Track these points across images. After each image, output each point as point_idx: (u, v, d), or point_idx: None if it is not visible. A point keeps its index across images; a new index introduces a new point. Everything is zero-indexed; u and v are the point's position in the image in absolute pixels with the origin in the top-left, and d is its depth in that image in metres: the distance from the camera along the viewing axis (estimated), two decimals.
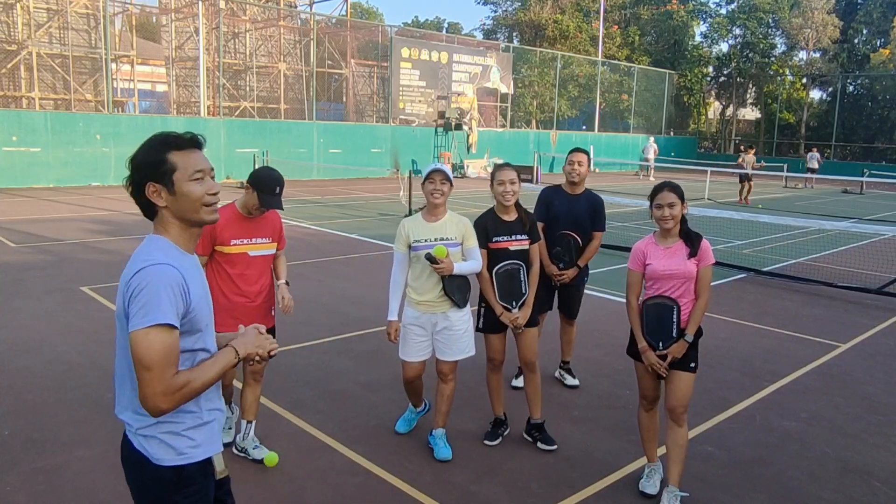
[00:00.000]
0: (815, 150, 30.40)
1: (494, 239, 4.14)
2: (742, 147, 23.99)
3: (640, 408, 3.86)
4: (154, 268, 1.81)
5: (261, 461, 3.88)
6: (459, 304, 3.99)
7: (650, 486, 3.77)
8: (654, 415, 3.86)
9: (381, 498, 3.63)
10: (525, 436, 4.34)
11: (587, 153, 5.17)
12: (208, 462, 2.01)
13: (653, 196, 3.63)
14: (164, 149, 1.90)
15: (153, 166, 1.89)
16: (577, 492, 3.74)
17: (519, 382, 5.20)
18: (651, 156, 31.17)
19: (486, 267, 4.12)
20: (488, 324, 4.23)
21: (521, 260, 4.13)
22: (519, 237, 4.15)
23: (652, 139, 33.47)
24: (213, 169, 1.99)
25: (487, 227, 4.16)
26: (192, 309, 1.88)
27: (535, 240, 4.23)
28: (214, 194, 1.95)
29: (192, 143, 1.94)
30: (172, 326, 1.79)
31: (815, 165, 27.96)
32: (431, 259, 3.83)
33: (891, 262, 10.63)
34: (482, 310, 4.26)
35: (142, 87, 29.34)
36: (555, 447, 4.21)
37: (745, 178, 20.21)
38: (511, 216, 4.18)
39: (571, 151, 5.13)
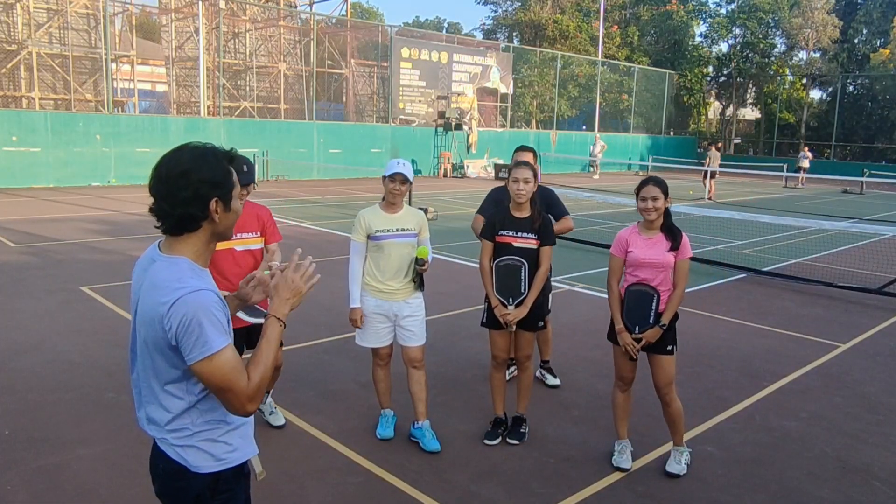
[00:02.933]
0: (805, 148, 30.48)
1: (500, 232, 4.18)
2: (707, 144, 24.59)
3: (616, 389, 4.09)
4: (192, 296, 1.77)
5: (277, 427, 4.10)
6: (421, 287, 4.23)
7: (623, 461, 3.99)
8: (629, 397, 4.10)
9: (381, 498, 3.63)
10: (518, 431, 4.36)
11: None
12: (242, 465, 2.02)
13: (638, 190, 3.87)
14: (226, 163, 1.90)
15: (223, 181, 1.88)
16: (577, 492, 3.74)
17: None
18: (598, 152, 29.94)
19: (489, 259, 4.20)
20: (492, 320, 4.24)
21: (525, 258, 4.10)
22: (524, 235, 4.14)
23: (598, 136, 32.38)
24: None
25: (496, 220, 4.22)
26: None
27: (546, 242, 4.17)
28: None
29: (233, 158, 1.96)
30: (228, 345, 1.80)
31: (806, 164, 28.10)
32: (417, 261, 4.08)
33: (891, 262, 10.62)
34: (486, 304, 4.29)
35: (142, 87, 29.35)
36: (517, 443, 4.28)
37: (708, 175, 21.60)
38: (523, 213, 4.18)
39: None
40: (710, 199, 21.04)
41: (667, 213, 3.87)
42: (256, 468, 2.07)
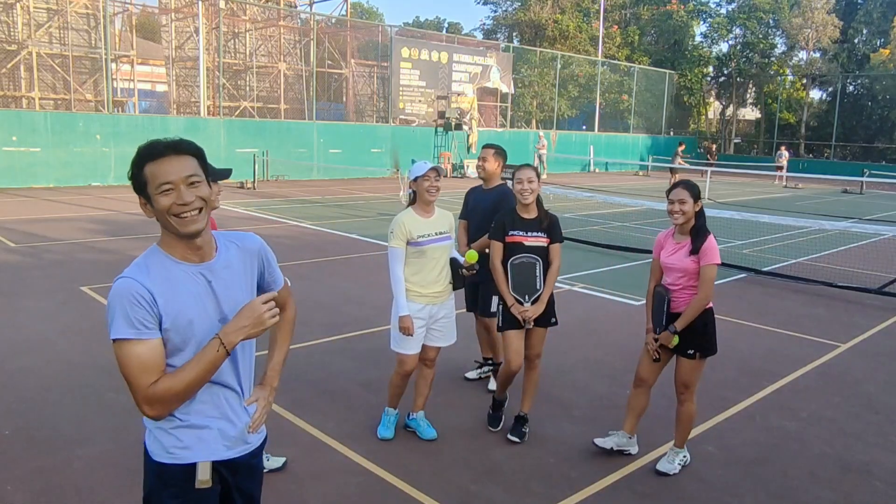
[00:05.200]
0: (783, 148, 30.45)
1: (510, 233, 4.24)
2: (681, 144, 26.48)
3: (633, 385, 4.11)
4: (118, 282, 1.84)
5: (272, 471, 3.76)
6: (459, 286, 4.29)
7: (605, 441, 4.06)
8: (642, 395, 4.06)
9: (381, 498, 3.63)
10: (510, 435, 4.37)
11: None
12: (194, 467, 1.97)
13: (668, 193, 3.88)
14: (141, 162, 1.85)
15: (133, 180, 1.88)
16: (577, 492, 3.74)
17: (471, 374, 5.41)
18: (543, 151, 27.67)
19: (500, 260, 4.24)
20: (508, 321, 4.23)
21: (538, 255, 4.18)
22: (534, 234, 4.22)
23: (542, 133, 29.71)
24: (191, 176, 1.85)
25: (506, 221, 4.28)
26: (167, 324, 1.84)
27: (555, 240, 4.26)
28: (184, 205, 1.83)
29: (167, 149, 1.84)
30: (140, 339, 1.80)
31: (783, 162, 28.11)
32: (464, 266, 4.11)
33: (891, 262, 10.63)
34: (500, 307, 4.31)
35: (142, 87, 29.34)
36: (518, 441, 4.28)
37: (673, 171, 24.10)
38: (530, 214, 4.26)
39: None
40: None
41: (699, 217, 3.83)
42: (200, 475, 1.96)
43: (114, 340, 1.81)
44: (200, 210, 1.87)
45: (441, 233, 4.11)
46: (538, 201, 4.27)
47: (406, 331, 4.05)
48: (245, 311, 1.89)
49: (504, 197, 4.96)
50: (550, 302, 4.25)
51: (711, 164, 29.68)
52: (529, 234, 4.20)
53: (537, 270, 4.15)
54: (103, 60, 20.91)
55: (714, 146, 33.72)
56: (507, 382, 4.42)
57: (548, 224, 4.24)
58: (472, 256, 4.08)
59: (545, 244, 4.22)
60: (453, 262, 4.18)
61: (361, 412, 4.65)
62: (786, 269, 10.16)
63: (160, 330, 1.84)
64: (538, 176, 4.27)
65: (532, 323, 4.19)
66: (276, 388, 2.21)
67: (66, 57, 22.00)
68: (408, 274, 4.10)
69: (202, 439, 1.97)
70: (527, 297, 4.17)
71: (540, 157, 27.31)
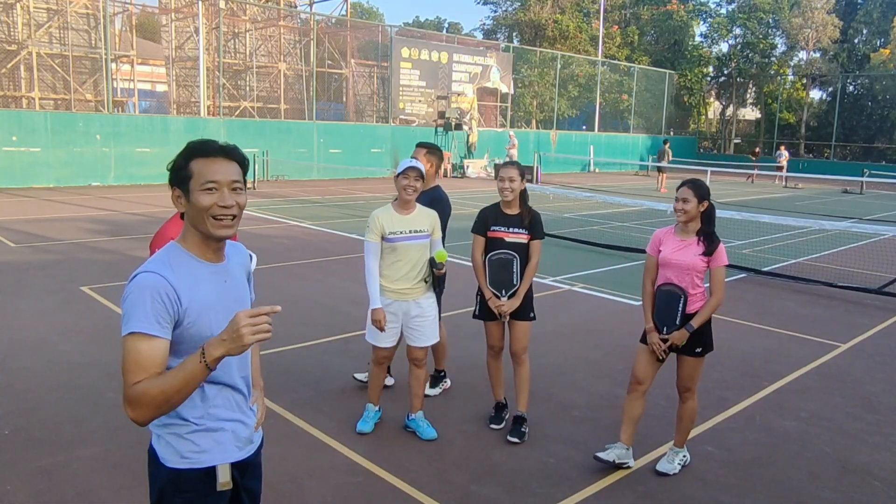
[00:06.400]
0: (782, 147, 30.43)
1: (492, 228, 4.32)
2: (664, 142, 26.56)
3: (629, 391, 4.02)
4: (141, 276, 1.81)
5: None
6: (440, 290, 4.35)
7: (606, 454, 3.91)
8: (638, 401, 3.97)
9: (381, 498, 3.63)
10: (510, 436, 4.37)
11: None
12: (212, 470, 1.97)
13: (678, 189, 3.90)
14: (189, 155, 1.89)
15: (176, 171, 1.89)
16: (577, 492, 3.74)
17: (388, 381, 5.07)
18: (513, 151, 26.64)
19: (480, 253, 4.35)
20: (484, 311, 4.39)
21: (517, 252, 4.25)
22: (516, 230, 4.29)
23: (511, 133, 28.51)
24: (236, 182, 1.90)
25: (488, 216, 4.36)
26: (189, 321, 1.83)
27: (536, 237, 4.33)
28: (225, 207, 1.86)
29: (218, 151, 1.89)
30: (149, 335, 1.75)
31: (783, 162, 28.13)
32: (434, 264, 4.10)
33: (891, 262, 10.63)
34: (479, 297, 4.42)
35: (142, 87, 29.33)
36: (518, 441, 4.28)
37: (660, 169, 24.50)
38: (513, 210, 4.33)
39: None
40: (663, 192, 22.87)
41: (706, 219, 3.83)
42: (221, 477, 1.96)
43: (129, 334, 1.75)
44: (235, 217, 1.91)
45: (416, 231, 4.13)
46: (523, 198, 4.33)
47: (376, 324, 4.12)
48: (228, 324, 1.73)
49: (434, 202, 4.66)
50: (528, 296, 4.34)
51: (755, 167, 29.84)
52: (511, 230, 4.28)
53: (514, 266, 4.24)
54: (103, 60, 20.90)
55: (758, 149, 33.83)
56: (496, 372, 4.52)
57: (529, 221, 4.30)
58: (440, 256, 4.09)
59: (525, 241, 4.29)
60: (431, 261, 4.19)
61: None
62: (786, 269, 10.16)
63: (179, 328, 1.83)
64: (522, 175, 4.30)
65: (507, 316, 4.30)
66: (262, 387, 2.30)
67: (66, 57, 22.00)
68: (381, 267, 4.17)
69: (219, 442, 1.96)
70: (503, 292, 4.27)
71: (510, 157, 26.19)
